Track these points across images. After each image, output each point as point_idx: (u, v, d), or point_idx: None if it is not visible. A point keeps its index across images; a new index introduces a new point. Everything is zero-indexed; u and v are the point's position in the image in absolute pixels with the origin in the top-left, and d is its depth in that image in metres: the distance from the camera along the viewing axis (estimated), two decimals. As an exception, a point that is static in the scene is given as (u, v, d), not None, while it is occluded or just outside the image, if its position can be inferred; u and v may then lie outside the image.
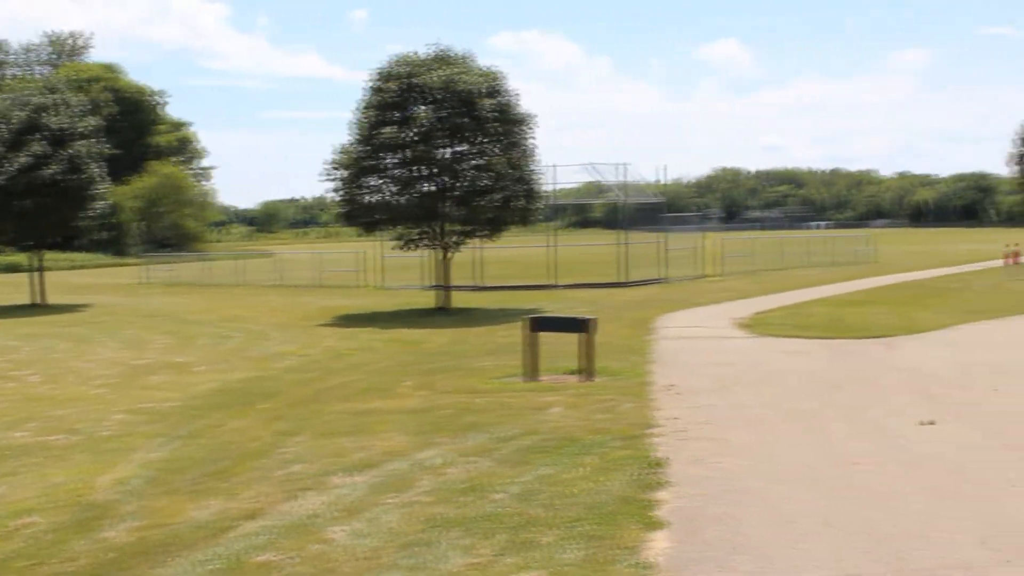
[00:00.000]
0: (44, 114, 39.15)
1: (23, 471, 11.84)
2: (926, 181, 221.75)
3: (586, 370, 16.97)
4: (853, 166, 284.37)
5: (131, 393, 17.77)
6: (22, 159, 37.63)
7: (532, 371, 17.23)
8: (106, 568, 8.11)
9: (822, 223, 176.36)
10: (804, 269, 55.02)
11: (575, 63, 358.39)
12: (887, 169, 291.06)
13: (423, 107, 33.35)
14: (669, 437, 12.07)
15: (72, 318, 34.57)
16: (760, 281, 45.44)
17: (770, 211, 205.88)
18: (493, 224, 35.32)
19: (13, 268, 62.69)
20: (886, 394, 15.31)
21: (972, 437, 12.01)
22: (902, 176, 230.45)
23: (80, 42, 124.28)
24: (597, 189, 58.41)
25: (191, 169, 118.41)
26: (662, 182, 60.13)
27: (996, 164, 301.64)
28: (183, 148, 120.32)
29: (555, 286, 44.02)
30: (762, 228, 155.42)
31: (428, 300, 37.82)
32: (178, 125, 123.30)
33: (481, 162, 33.72)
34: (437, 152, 33.64)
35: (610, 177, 47.97)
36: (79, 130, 39.92)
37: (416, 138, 32.80)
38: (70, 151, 38.77)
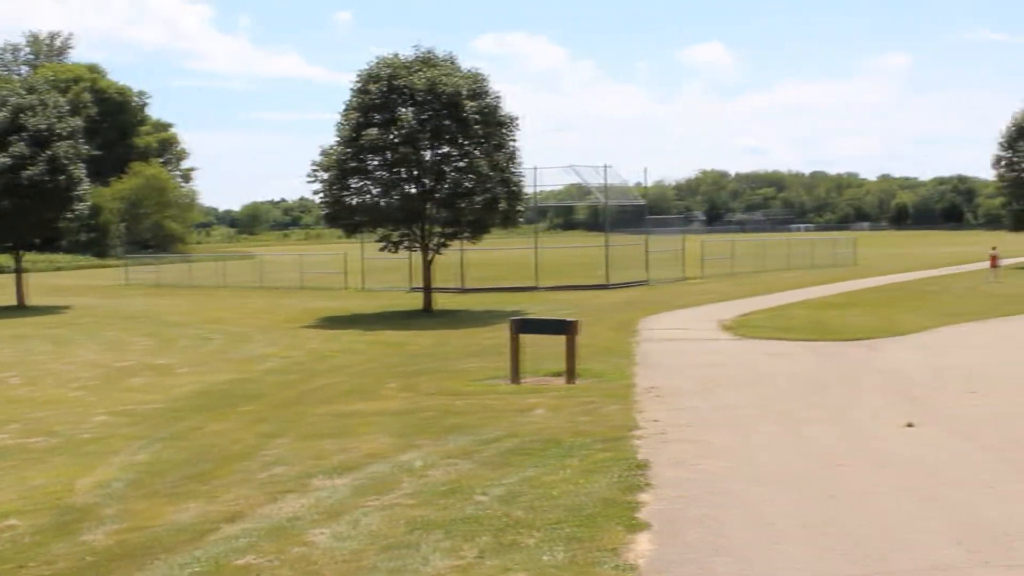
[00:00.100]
0: (24, 115, 38.98)
1: (1, 474, 11.79)
2: (907, 184, 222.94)
3: (569, 372, 16.98)
4: (835, 169, 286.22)
5: (112, 395, 17.71)
6: (2, 160, 37.47)
7: (515, 373, 17.24)
8: (86, 572, 8.08)
9: (804, 226, 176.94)
10: (785, 272, 55.23)
11: (558, 66, 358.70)
12: (869, 172, 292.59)
13: (407, 109, 33.35)
14: (651, 439, 12.09)
15: (53, 320, 34.42)
16: (742, 283, 45.59)
17: (752, 214, 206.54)
18: (476, 226, 35.35)
19: (-6, 269, 62.32)
20: (866, 396, 15.39)
21: (950, 439, 12.08)
22: (884, 179, 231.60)
23: (60, 42, 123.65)
24: (580, 191, 58.47)
25: (173, 170, 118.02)
26: (644, 184, 60.09)
27: (977, 167, 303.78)
28: (165, 149, 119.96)
29: (538, 288, 44.05)
30: (744, 231, 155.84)
31: (411, 302, 37.81)
32: (160, 126, 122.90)
33: (464, 164, 33.72)
34: (421, 154, 33.64)
35: (592, 179, 48.05)
36: (60, 131, 39.75)
37: (399, 140, 32.78)
38: (51, 152, 38.60)
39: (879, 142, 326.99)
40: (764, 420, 13.49)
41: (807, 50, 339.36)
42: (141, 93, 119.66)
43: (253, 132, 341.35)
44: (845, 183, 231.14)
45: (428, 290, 35.93)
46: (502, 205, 34.26)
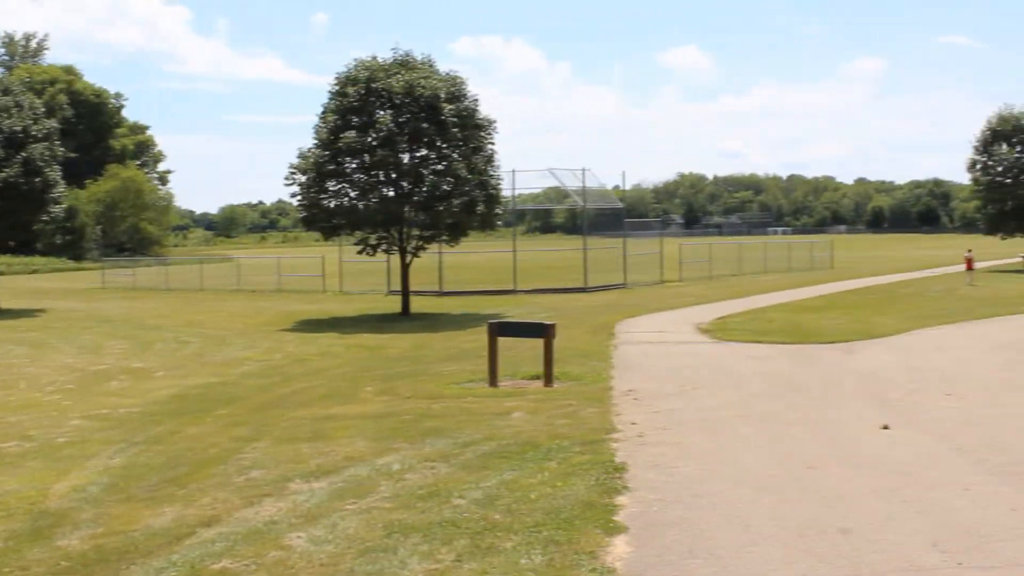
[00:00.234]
0: (-1, 116, 38.74)
1: (-23, 478, 11.69)
2: (884, 187, 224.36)
3: (547, 375, 17.00)
4: (811, 172, 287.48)
5: (88, 399, 17.61)
6: (-24, 162, 37.22)
7: (493, 376, 17.24)
8: (62, 576, 8.03)
9: (781, 229, 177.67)
10: (763, 275, 55.46)
11: (536, 69, 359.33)
12: (845, 175, 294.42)
13: (384, 112, 33.34)
14: (629, 442, 12.11)
15: (28, 323, 34.19)
16: (719, 286, 45.74)
17: (730, 217, 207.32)
18: (454, 229, 35.37)
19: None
20: (843, 399, 15.46)
21: (925, 441, 12.15)
22: (860, 182, 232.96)
23: (36, 44, 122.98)
24: (558, 194, 58.54)
25: (150, 173, 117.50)
26: (622, 187, 60.36)
27: (952, 171, 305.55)
28: (142, 152, 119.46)
29: (516, 291, 44.07)
30: (721, 234, 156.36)
31: (389, 305, 37.76)
32: (137, 128, 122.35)
33: (442, 167, 33.73)
34: (398, 157, 33.63)
35: (570, 182, 48.12)
36: (35, 133, 39.51)
37: (377, 143, 32.78)
38: (26, 154, 38.37)
39: (855, 146, 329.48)
40: (741, 423, 13.53)
41: (783, 54, 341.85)
42: (117, 95, 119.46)
43: (230, 135, 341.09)
44: (822, 186, 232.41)
45: (406, 293, 35.90)
46: (480, 208, 34.29)
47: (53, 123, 42.79)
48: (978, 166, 63.04)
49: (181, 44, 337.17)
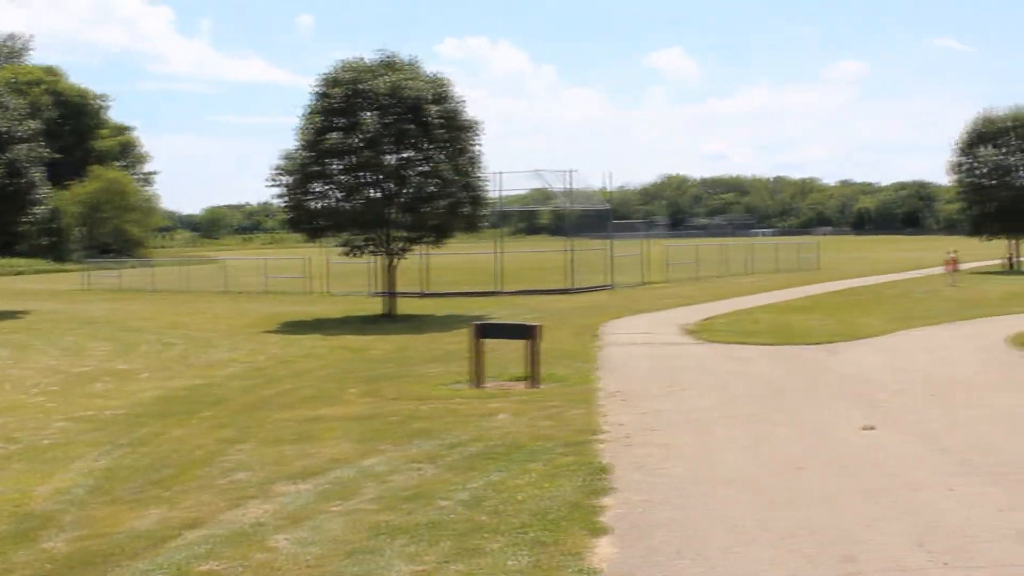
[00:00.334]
0: (-18, 117, 38.54)
1: (-40, 481, 11.63)
2: (868, 189, 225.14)
3: (532, 376, 16.99)
4: (796, 174, 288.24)
5: (72, 401, 17.52)
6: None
7: (478, 378, 17.23)
8: (45, 579, 7.99)
9: (766, 230, 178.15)
10: (748, 276, 55.58)
11: (522, 70, 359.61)
12: (830, 177, 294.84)
13: (369, 113, 33.26)
14: (615, 443, 12.12)
15: (11, 325, 34.01)
16: (705, 288, 45.83)
17: (715, 218, 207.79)
18: (439, 230, 35.33)
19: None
20: (828, 400, 15.51)
21: (910, 442, 12.19)
22: (845, 184, 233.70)
23: (20, 44, 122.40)
24: (544, 196, 58.57)
25: (134, 174, 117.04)
26: (608, 189, 60.55)
27: (936, 173, 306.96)
28: (126, 153, 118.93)
29: (501, 292, 44.07)
30: (707, 235, 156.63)
31: (374, 307, 37.69)
32: (121, 129, 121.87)
33: (427, 168, 33.66)
34: (383, 158, 33.57)
35: (556, 184, 48.16)
36: (19, 134, 39.32)
37: (362, 144, 32.69)
38: (9, 155, 38.18)
39: (840, 148, 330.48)
40: (727, 423, 13.56)
41: (768, 57, 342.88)
42: (101, 96, 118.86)
43: (215, 136, 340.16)
44: (807, 188, 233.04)
45: (391, 295, 35.85)
46: (465, 209, 34.26)
47: (36, 124, 42.60)
48: (962, 168, 63.32)
49: (165, 45, 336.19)
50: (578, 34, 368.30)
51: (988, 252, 67.13)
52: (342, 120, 33.37)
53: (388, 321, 33.61)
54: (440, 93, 34.37)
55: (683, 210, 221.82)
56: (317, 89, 34.40)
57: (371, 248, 35.63)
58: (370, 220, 34.29)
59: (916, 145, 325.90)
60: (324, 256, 45.95)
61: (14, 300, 45.82)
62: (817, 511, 9.08)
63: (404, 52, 35.74)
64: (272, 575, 7.71)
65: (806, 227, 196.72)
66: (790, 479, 10.33)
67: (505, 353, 18.95)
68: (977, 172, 62.27)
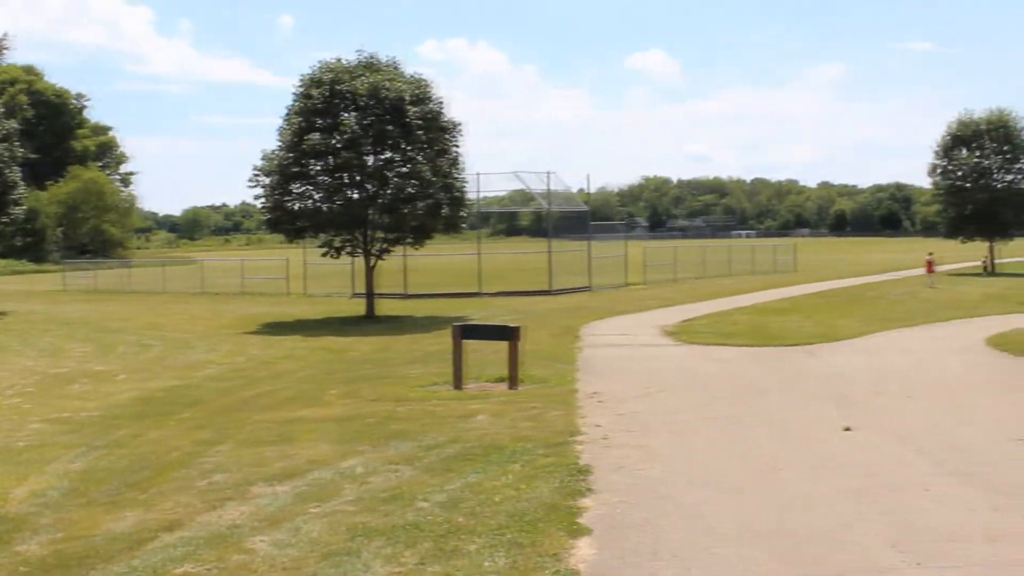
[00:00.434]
0: (-41, 117, 38.29)
1: (-65, 483, 11.55)
2: (846, 191, 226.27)
3: (512, 378, 17.00)
4: (776, 176, 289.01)
5: (48, 402, 17.42)
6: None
7: (458, 379, 17.22)
8: (21, 582, 7.94)
9: (745, 232, 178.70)
10: (727, 277, 55.74)
11: (502, 72, 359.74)
12: (809, 179, 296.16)
13: (349, 114, 33.23)
14: (594, 444, 12.14)
15: (-12, 326, 33.78)
16: (684, 289, 45.95)
17: (694, 220, 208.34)
18: (419, 232, 35.30)
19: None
20: (806, 401, 15.58)
21: (888, 443, 12.26)
22: (823, 186, 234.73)
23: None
24: (523, 197, 58.61)
25: (113, 174, 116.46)
26: (587, 191, 60.70)
27: (913, 175, 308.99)
28: (104, 153, 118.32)
29: (481, 294, 44.06)
30: (686, 237, 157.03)
31: (354, 308, 37.63)
32: (99, 129, 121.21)
33: (407, 169, 33.65)
34: (363, 159, 33.53)
35: (536, 185, 48.18)
36: (-5, 134, 39.08)
37: (342, 145, 32.65)
38: (-14, 155, 37.93)
39: (819, 150, 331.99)
40: (705, 425, 13.60)
41: (748, 59, 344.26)
42: (79, 96, 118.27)
43: (194, 136, 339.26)
44: (786, 190, 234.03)
45: (371, 296, 35.80)
46: (445, 211, 34.26)
47: (13, 124, 42.35)
48: (939, 171, 63.74)
49: (144, 44, 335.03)
50: (559, 35, 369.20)
51: (966, 254, 67.57)
52: (322, 121, 33.34)
53: (368, 322, 33.56)
54: (420, 94, 34.37)
55: (662, 211, 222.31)
56: (297, 90, 34.36)
57: (351, 249, 35.58)
58: (350, 221, 34.26)
59: (894, 147, 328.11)
60: (303, 257, 45.85)
61: (-9, 301, 45.52)
62: (794, 512, 9.12)
63: (384, 53, 35.63)
64: (249, 577, 7.69)
65: (785, 229, 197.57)
66: (767, 480, 10.37)
67: (485, 355, 18.95)
68: (954, 175, 62.72)
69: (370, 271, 35.92)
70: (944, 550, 7.95)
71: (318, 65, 34.72)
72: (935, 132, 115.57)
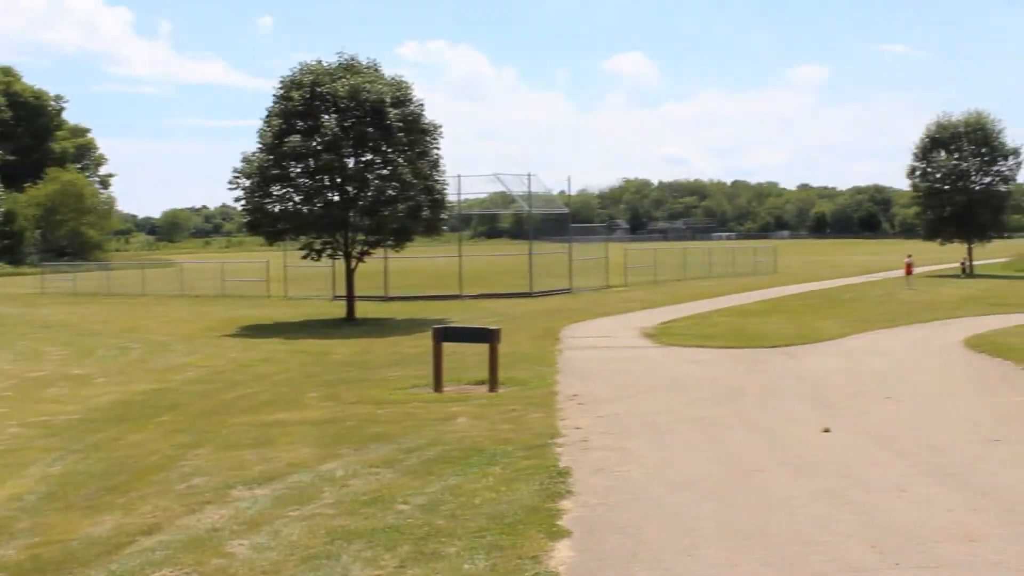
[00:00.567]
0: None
1: (-89, 488, 11.46)
2: (826, 193, 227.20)
3: (492, 380, 17.01)
4: (755, 178, 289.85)
5: (26, 406, 17.32)
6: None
7: (438, 382, 17.22)
8: (-2, 586, 7.90)
9: (725, 234, 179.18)
10: (707, 280, 55.90)
11: (481, 73, 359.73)
12: (788, 181, 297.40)
13: (329, 116, 33.18)
14: (573, 447, 12.16)
15: (-35, 329, 33.56)
16: (664, 291, 46.06)
17: (674, 222, 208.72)
18: (399, 234, 35.25)
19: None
20: (785, 403, 15.64)
21: (866, 444, 12.32)
22: (803, 188, 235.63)
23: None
24: (504, 199, 58.61)
25: (91, 176, 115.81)
26: (568, 193, 60.71)
27: (892, 177, 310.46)
28: (83, 155, 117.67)
29: (462, 296, 44.04)
30: (666, 239, 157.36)
31: (334, 310, 37.57)
32: (78, 131, 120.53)
33: (387, 172, 33.62)
34: (343, 161, 33.48)
35: (516, 187, 48.21)
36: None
37: (322, 147, 32.59)
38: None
39: (798, 152, 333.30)
40: (685, 427, 13.63)
41: (728, 61, 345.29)
42: (57, 97, 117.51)
43: (173, 138, 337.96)
44: (765, 192, 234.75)
45: (351, 298, 35.74)
46: (425, 213, 34.25)
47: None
48: (917, 173, 64.14)
49: (123, 46, 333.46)
50: (538, 38, 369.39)
51: (944, 256, 67.98)
52: (302, 123, 33.28)
53: (348, 325, 33.50)
54: (400, 96, 34.34)
55: (643, 214, 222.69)
56: (277, 92, 34.28)
57: (330, 252, 35.51)
58: (330, 223, 34.20)
59: (873, 150, 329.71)
60: (283, 260, 45.73)
61: (-32, 304, 45.21)
62: (772, 513, 9.16)
63: (364, 55, 35.67)
64: (228, 581, 7.67)
65: (765, 231, 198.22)
66: (747, 481, 10.41)
67: (465, 357, 18.96)
68: (932, 177, 63.13)
69: (350, 273, 35.86)
70: (922, 550, 7.99)
71: (298, 67, 34.69)
72: (914, 134, 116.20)
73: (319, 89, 33.30)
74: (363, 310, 36.41)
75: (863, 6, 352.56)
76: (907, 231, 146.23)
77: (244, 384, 19.71)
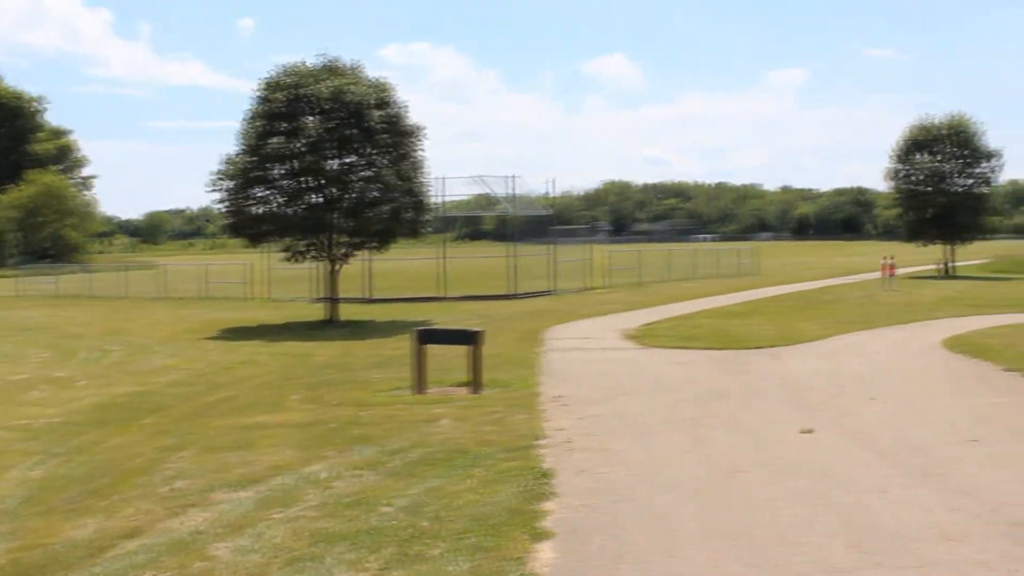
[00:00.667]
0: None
1: None
2: (808, 195, 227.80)
3: (475, 382, 17.01)
4: (737, 180, 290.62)
5: (7, 409, 17.25)
6: None
7: (420, 384, 17.21)
8: (-21, 591, 7.87)
9: (708, 236, 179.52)
10: (690, 281, 56.01)
11: (464, 75, 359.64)
12: (770, 183, 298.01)
13: (311, 118, 33.13)
14: (557, 448, 12.17)
15: (-56, 332, 33.36)
16: (647, 293, 46.14)
17: (657, 224, 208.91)
18: (382, 236, 35.26)
19: None
20: (767, 404, 15.69)
21: (847, 445, 12.38)
22: (785, 190, 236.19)
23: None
24: (487, 201, 58.67)
25: (72, 178, 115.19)
26: (551, 195, 60.66)
27: (874, 179, 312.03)
28: (63, 157, 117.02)
29: (445, 298, 44.04)
30: (650, 241, 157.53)
31: (317, 312, 37.50)
32: (58, 133, 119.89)
33: (370, 173, 33.62)
34: (326, 163, 33.43)
35: (499, 189, 48.26)
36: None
37: (304, 149, 32.55)
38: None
39: (780, 154, 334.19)
40: (667, 428, 13.67)
41: (710, 63, 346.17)
42: (38, 98, 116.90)
43: (155, 140, 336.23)
44: (747, 194, 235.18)
45: (334, 300, 35.69)
46: (408, 215, 34.26)
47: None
48: (898, 175, 64.45)
49: (103, 47, 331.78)
50: (520, 40, 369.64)
51: (925, 257, 68.30)
52: (284, 125, 33.22)
53: (330, 327, 33.45)
54: (383, 98, 34.34)
55: (626, 215, 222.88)
56: (259, 93, 34.21)
57: (313, 254, 35.47)
58: (312, 225, 34.14)
59: (854, 152, 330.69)
60: (265, 262, 45.63)
61: (-53, 307, 44.95)
62: (755, 514, 9.19)
63: (346, 57, 35.63)
64: (211, 584, 7.66)
65: (747, 233, 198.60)
66: (729, 482, 10.44)
67: (448, 359, 18.95)
68: (913, 179, 63.45)
69: (333, 276, 35.82)
70: (903, 550, 8.04)
71: (280, 68, 34.62)
72: (895, 136, 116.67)
73: (301, 91, 33.27)
74: (346, 312, 36.36)
75: (845, 9, 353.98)
76: (889, 233, 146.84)
77: (227, 386, 19.66)
